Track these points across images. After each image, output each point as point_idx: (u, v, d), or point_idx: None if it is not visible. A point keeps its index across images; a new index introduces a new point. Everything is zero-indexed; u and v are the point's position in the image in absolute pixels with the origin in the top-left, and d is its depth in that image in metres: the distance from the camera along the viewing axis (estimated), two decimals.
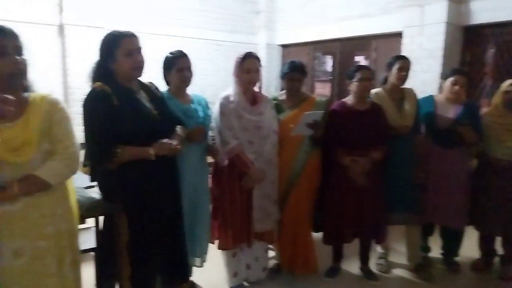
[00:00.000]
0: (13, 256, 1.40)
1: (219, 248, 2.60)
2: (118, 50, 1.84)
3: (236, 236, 2.53)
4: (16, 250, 1.40)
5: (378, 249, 3.19)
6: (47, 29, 4.65)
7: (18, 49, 1.41)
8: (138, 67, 1.89)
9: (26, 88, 1.50)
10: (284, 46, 6.55)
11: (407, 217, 2.85)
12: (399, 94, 2.90)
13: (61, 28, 4.76)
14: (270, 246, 2.92)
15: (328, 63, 6.01)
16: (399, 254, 3.24)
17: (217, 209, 2.58)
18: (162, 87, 2.33)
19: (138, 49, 1.89)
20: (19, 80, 1.41)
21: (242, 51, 2.50)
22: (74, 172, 1.56)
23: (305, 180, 2.70)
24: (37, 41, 4.33)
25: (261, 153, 2.51)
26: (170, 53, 2.40)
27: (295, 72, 2.69)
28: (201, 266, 2.57)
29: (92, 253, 2.19)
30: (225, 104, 2.48)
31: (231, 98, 2.49)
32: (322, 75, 6.13)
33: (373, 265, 3.05)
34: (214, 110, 2.52)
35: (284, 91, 2.83)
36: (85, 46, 4.66)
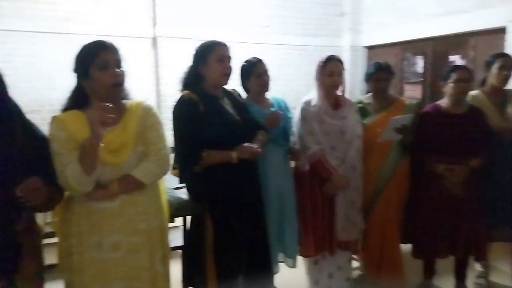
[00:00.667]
0: (112, 248, 1.53)
1: (300, 254, 2.57)
2: (211, 55, 1.96)
3: (317, 243, 2.48)
4: (114, 244, 1.54)
5: (477, 267, 2.88)
6: (142, 42, 5.08)
7: (118, 62, 1.55)
8: (227, 73, 1.99)
9: (124, 96, 1.64)
10: (370, 48, 6.31)
11: None
12: (500, 96, 2.60)
13: (154, 40, 5.16)
14: (354, 256, 2.81)
15: (419, 64, 5.64)
16: (502, 274, 2.90)
17: (299, 215, 2.56)
18: (243, 94, 2.40)
19: (229, 57, 2.01)
20: (119, 91, 1.55)
21: (325, 54, 2.45)
22: (165, 173, 1.67)
23: (393, 188, 2.57)
24: (133, 53, 4.75)
25: (344, 159, 2.43)
26: (246, 61, 2.46)
27: (381, 72, 2.58)
28: (293, 266, 2.56)
29: (179, 251, 2.32)
30: (306, 108, 2.45)
31: (313, 103, 2.46)
32: (412, 77, 5.77)
33: (470, 284, 2.76)
34: (296, 114, 2.51)
35: (369, 94, 2.72)
36: (176, 57, 4.98)
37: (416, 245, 2.61)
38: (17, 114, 1.42)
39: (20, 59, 4.55)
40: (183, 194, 2.14)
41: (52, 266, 1.65)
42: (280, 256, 2.56)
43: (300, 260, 2.60)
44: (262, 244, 2.15)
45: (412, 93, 5.65)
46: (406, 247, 2.66)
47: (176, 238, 2.33)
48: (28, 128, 1.46)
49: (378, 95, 2.64)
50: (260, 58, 2.45)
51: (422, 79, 5.46)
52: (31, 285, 1.45)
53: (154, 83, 5.20)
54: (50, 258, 1.67)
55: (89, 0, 4.90)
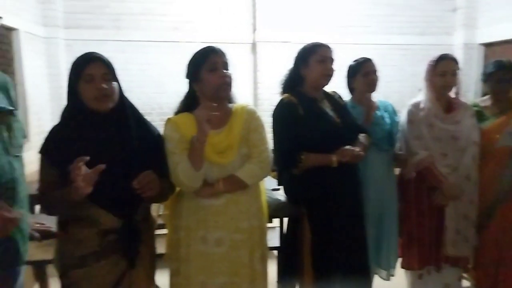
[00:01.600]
0: (215, 244, 1.61)
1: (403, 267, 2.41)
2: (313, 57, 1.96)
3: (422, 257, 2.31)
4: (217, 239, 1.61)
5: None
6: (242, 47, 5.29)
7: (226, 65, 1.63)
8: (328, 74, 1.97)
9: (230, 100, 1.72)
10: (487, 45, 5.68)
11: None
12: None
13: (253, 45, 5.34)
14: (465, 275, 2.54)
15: None
16: None
17: (402, 225, 2.40)
18: (345, 96, 2.32)
19: (331, 59, 1.98)
20: (226, 92, 1.63)
21: (433, 53, 2.28)
22: (266, 175, 1.70)
23: None
24: (233, 58, 4.96)
25: (457, 167, 2.22)
26: (354, 61, 2.38)
27: (503, 71, 2.29)
28: (387, 279, 2.43)
29: (275, 252, 2.34)
30: (414, 111, 2.30)
31: (422, 105, 2.29)
32: None
33: None
34: (401, 118, 2.36)
35: (487, 97, 2.44)
36: (274, 61, 5.08)
37: None
38: (134, 113, 1.56)
39: (134, 67, 5.09)
40: (281, 195, 2.16)
41: (160, 255, 1.78)
42: (375, 267, 2.43)
43: (397, 273, 2.44)
44: (360, 249, 2.07)
45: None
46: None
47: (272, 239, 2.35)
48: (144, 126, 1.60)
49: (498, 97, 2.35)
50: (369, 58, 2.36)
51: None
52: (145, 271, 1.58)
53: (252, 87, 5.38)
54: (159, 248, 1.81)
55: (195, 10, 5.27)
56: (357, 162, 1.93)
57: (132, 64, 5.08)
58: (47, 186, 1.47)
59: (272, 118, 1.99)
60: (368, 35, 5.61)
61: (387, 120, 2.35)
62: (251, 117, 1.68)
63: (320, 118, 1.96)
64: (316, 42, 2.01)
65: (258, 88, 5.30)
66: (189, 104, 1.68)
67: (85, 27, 5.29)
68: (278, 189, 2.42)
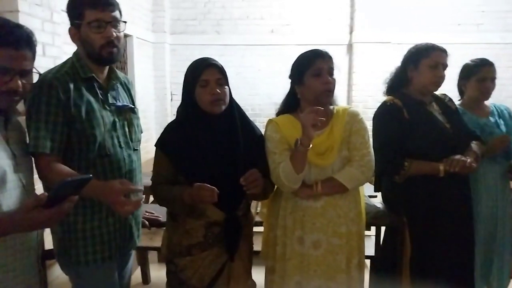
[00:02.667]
0: (312, 246, 1.60)
1: None
2: (425, 60, 1.87)
3: None
4: (315, 241, 1.60)
5: None
6: (338, 49, 5.20)
7: (331, 70, 1.61)
8: (438, 82, 1.87)
9: (332, 102, 1.69)
10: None
11: None
12: None
13: (349, 46, 5.22)
14: None
15: None
16: None
17: None
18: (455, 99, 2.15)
19: (444, 65, 1.87)
20: (327, 99, 1.61)
21: None
22: (368, 180, 1.65)
23: None
24: None
25: None
26: (471, 61, 2.18)
27: None
28: None
29: (368, 260, 2.25)
30: None
31: None
32: None
33: None
34: None
35: None
36: (371, 62, 4.91)
37: None
38: (240, 115, 1.64)
39: (231, 70, 5.30)
40: (378, 203, 2.08)
41: (256, 252, 1.84)
42: (483, 287, 2.21)
43: None
44: (465, 267, 1.91)
45: None
46: None
47: (368, 248, 2.27)
48: (249, 127, 1.66)
49: None
50: (491, 61, 2.14)
51: None
52: (244, 265, 1.65)
53: (346, 89, 5.27)
54: (255, 244, 1.86)
55: (292, 13, 5.33)
56: (467, 173, 1.78)
57: (229, 67, 5.30)
58: (160, 177, 1.60)
59: (373, 121, 1.93)
60: (480, 33, 5.11)
61: (503, 127, 2.13)
62: (353, 119, 1.64)
63: (428, 123, 1.85)
64: (430, 44, 1.89)
65: (352, 90, 5.17)
66: (290, 105, 1.70)
67: (189, 33, 5.69)
68: (375, 196, 2.34)
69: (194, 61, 1.58)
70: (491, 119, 2.14)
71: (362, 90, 5.01)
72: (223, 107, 1.54)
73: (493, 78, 2.12)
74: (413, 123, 1.83)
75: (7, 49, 1.15)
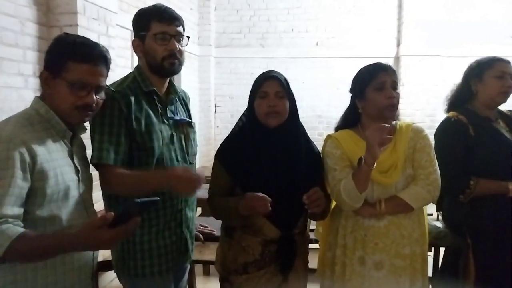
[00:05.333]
0: (374, 267, 1.55)
1: None
2: (489, 71, 1.81)
3: None
4: (377, 263, 1.54)
5: None
6: (385, 62, 5.11)
7: (394, 84, 1.56)
8: (506, 92, 1.80)
9: (395, 117, 1.65)
10: None
11: None
12: None
13: (396, 59, 5.11)
14: None
15: None
16: None
17: None
18: None
19: (510, 75, 1.80)
20: (391, 114, 1.56)
21: None
22: (434, 199, 1.58)
23: None
24: None
25: None
26: None
27: None
28: None
29: None
30: None
31: None
32: None
33: None
34: None
35: None
36: (419, 75, 4.78)
37: None
38: (301, 130, 1.63)
39: None
40: (436, 222, 2.00)
41: (310, 271, 1.79)
42: None
43: None
44: None
45: None
46: None
47: None
48: (309, 144, 1.64)
49: None
50: None
51: None
52: (299, 284, 1.62)
53: None
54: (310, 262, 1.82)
55: (337, 26, 5.31)
56: None
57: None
58: (218, 189, 1.60)
59: (435, 137, 1.86)
60: None
61: None
62: (417, 135, 1.58)
63: (495, 140, 1.77)
64: (494, 56, 1.85)
65: (400, 103, 5.04)
66: (350, 120, 1.67)
67: (234, 46, 5.79)
68: (430, 214, 2.25)
69: (260, 74, 1.59)
70: None
71: (410, 104, 4.87)
72: (279, 121, 1.52)
73: None
74: (479, 140, 1.76)
75: (87, 65, 1.20)
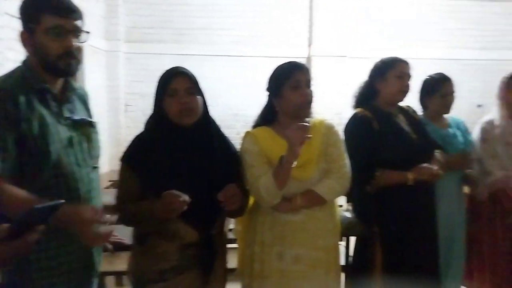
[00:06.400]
0: (292, 261, 1.57)
1: None
2: (391, 71, 1.95)
3: (495, 283, 2.20)
4: (295, 256, 1.57)
5: None
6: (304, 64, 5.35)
7: (308, 82, 1.61)
8: (405, 91, 1.95)
9: (308, 115, 1.68)
10: None
11: None
12: None
13: (308, 59, 5.34)
14: None
15: None
16: None
17: (472, 249, 2.29)
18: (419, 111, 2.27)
19: (408, 75, 1.97)
20: (307, 111, 1.61)
21: (495, 69, 2.23)
22: (345, 191, 1.66)
23: None
24: None
25: None
26: (431, 76, 2.31)
27: None
28: None
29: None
30: (488, 129, 2.23)
31: (496, 123, 2.21)
32: None
33: None
34: (474, 136, 2.28)
35: None
36: (329, 75, 5.06)
37: None
38: (215, 128, 1.59)
39: None
40: (347, 213, 2.12)
41: (229, 270, 1.77)
42: None
43: None
44: (433, 272, 1.99)
45: None
46: None
47: None
48: (224, 141, 1.62)
49: None
50: (449, 76, 2.29)
51: None
52: (220, 286, 1.59)
53: None
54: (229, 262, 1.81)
55: (251, 25, 5.38)
56: (435, 181, 1.86)
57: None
58: (126, 194, 1.50)
59: (344, 133, 1.96)
60: (435, 50, 5.48)
61: (460, 138, 2.26)
62: (329, 131, 1.65)
63: (396, 134, 1.92)
64: (395, 57, 1.99)
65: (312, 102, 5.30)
66: (267, 118, 1.68)
67: (146, 41, 5.53)
68: (341, 206, 2.38)
69: (164, 71, 1.51)
70: (450, 130, 2.27)
71: (321, 103, 5.12)
72: (193, 119, 1.47)
73: (453, 92, 2.26)
74: (382, 133, 1.89)
75: (59, 15, 1.23)
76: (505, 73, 2.25)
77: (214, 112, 5.52)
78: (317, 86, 5.67)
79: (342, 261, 2.23)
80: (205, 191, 1.43)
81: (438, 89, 2.24)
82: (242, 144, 1.64)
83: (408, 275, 1.86)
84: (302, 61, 5.61)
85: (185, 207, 1.33)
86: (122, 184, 1.53)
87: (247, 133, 1.66)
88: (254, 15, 5.42)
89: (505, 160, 2.15)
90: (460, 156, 2.18)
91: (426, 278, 1.91)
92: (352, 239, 2.18)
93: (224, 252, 1.65)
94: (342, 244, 2.29)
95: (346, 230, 1.97)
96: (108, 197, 1.65)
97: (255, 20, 5.42)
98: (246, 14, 5.43)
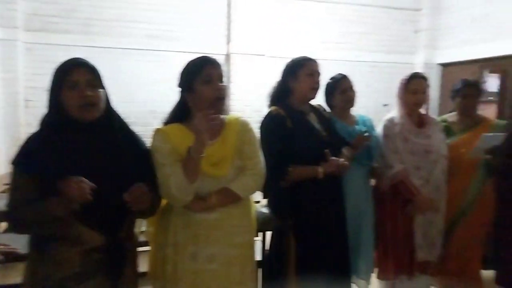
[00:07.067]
0: (207, 260, 1.54)
1: (378, 277, 2.47)
2: (302, 70, 2.01)
3: (397, 265, 2.39)
4: (209, 256, 1.54)
5: None
6: (216, 58, 5.30)
7: (220, 77, 1.59)
8: (316, 88, 2.02)
9: (223, 111, 1.67)
10: (445, 65, 6.06)
11: None
12: None
13: (227, 56, 5.33)
14: (433, 284, 2.65)
15: (492, 82, 5.36)
16: None
17: (377, 236, 2.47)
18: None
19: (318, 73, 2.03)
20: (220, 106, 1.58)
21: (398, 71, 2.43)
22: (260, 187, 1.67)
23: (478, 212, 2.44)
24: None
25: (428, 179, 2.33)
26: (330, 79, 2.43)
27: (469, 88, 2.49)
28: None
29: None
30: (389, 126, 2.40)
31: (395, 120, 2.39)
32: (484, 96, 5.50)
33: None
34: (377, 132, 2.46)
35: (454, 113, 2.60)
36: (248, 73, 5.10)
37: (501, 271, 2.40)
38: (121, 123, 1.50)
39: (104, 75, 4.92)
40: (263, 208, 2.15)
41: (141, 274, 1.70)
42: (352, 277, 2.48)
43: (374, 283, 2.51)
44: (343, 261, 2.10)
45: (485, 112, 5.41)
46: (488, 274, 2.45)
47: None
48: (131, 137, 1.53)
49: (465, 113, 2.53)
50: (345, 74, 2.41)
51: (499, 98, 5.23)
52: None
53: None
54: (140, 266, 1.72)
55: (168, 19, 5.21)
56: (342, 172, 1.95)
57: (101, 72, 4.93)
58: (20, 200, 1.34)
59: (260, 130, 1.98)
60: (340, 51, 5.81)
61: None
62: (244, 128, 1.65)
63: (308, 131, 1.99)
64: (305, 56, 2.06)
65: (230, 99, 5.28)
66: (180, 114, 1.62)
67: (49, 31, 5.02)
68: (258, 202, 2.41)
69: (61, 62, 1.39)
70: (357, 127, 2.41)
71: (239, 100, 5.16)
72: (96, 113, 1.37)
73: (351, 87, 2.39)
74: (296, 131, 1.94)
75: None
76: (404, 75, 2.45)
77: (130, 109, 5.32)
78: (236, 84, 5.76)
79: (259, 257, 2.29)
80: (110, 192, 1.33)
81: (338, 86, 2.37)
82: (152, 142, 1.56)
83: (319, 265, 1.95)
84: (221, 58, 5.63)
85: (89, 193, 1.24)
86: (15, 190, 1.36)
87: (157, 130, 1.58)
88: (169, 9, 5.25)
89: (404, 154, 2.32)
90: (359, 137, 2.25)
91: (337, 265, 2.02)
92: (268, 234, 2.21)
93: (134, 255, 1.56)
94: (259, 239, 2.34)
95: (262, 226, 2.00)
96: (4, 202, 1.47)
97: (171, 14, 5.26)
98: (160, 8, 5.23)
